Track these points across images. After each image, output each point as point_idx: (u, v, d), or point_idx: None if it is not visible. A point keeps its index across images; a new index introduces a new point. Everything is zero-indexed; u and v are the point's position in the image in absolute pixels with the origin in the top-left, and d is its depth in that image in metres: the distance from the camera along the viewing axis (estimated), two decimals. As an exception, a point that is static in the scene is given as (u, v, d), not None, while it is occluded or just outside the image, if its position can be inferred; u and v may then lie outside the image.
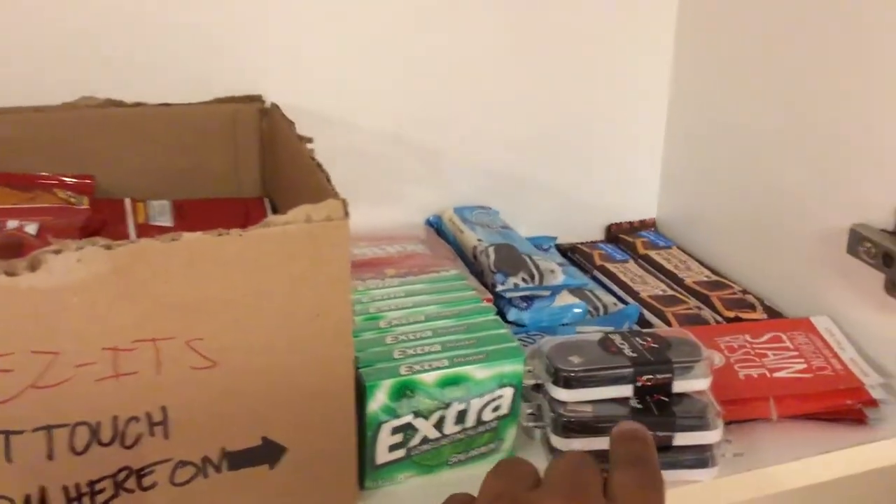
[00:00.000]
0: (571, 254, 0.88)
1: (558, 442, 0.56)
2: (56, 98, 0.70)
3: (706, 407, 0.57)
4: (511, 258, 0.74)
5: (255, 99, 0.75)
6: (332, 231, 0.48)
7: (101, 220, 0.69)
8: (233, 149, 0.76)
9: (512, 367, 0.57)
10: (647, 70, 0.90)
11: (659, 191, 0.94)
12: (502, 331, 0.60)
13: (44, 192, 0.67)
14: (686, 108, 0.88)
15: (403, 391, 0.54)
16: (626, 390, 0.57)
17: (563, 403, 0.57)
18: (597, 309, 0.75)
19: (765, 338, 0.68)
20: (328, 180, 0.53)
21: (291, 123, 0.66)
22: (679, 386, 0.58)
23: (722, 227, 0.84)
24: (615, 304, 0.76)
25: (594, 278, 0.82)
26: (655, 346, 0.59)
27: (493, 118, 0.86)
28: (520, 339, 0.70)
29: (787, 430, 0.62)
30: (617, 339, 0.60)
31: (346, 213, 0.48)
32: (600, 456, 0.55)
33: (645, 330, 0.63)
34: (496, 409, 0.57)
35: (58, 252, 0.43)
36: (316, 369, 0.50)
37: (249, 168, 0.77)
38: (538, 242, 0.87)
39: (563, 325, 0.72)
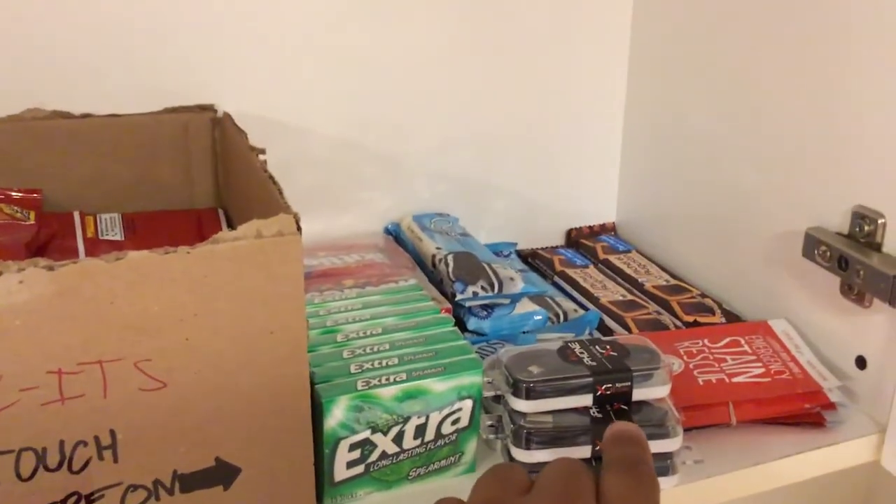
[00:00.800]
0: (532, 260, 0.87)
1: (519, 453, 0.55)
2: (1, 110, 0.68)
3: (666, 414, 0.57)
4: (470, 266, 0.73)
5: (207, 108, 0.74)
6: (284, 246, 0.47)
7: (49, 235, 0.67)
8: (185, 159, 0.74)
9: (471, 379, 0.56)
10: (604, 73, 0.90)
11: (618, 195, 0.94)
12: (460, 342, 0.59)
13: (-12, 208, 0.65)
14: (643, 112, 0.89)
15: (360, 406, 0.53)
16: (586, 399, 0.57)
17: (524, 414, 0.56)
18: (557, 316, 0.74)
19: (723, 342, 0.68)
20: (280, 193, 0.52)
21: (244, 134, 0.65)
22: (639, 394, 0.58)
23: (680, 230, 0.84)
24: (575, 310, 0.76)
25: (555, 284, 0.82)
26: (615, 354, 0.59)
27: (451, 123, 0.85)
28: (480, 349, 0.70)
29: (747, 435, 0.62)
30: (576, 347, 0.60)
31: (299, 228, 0.47)
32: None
33: (604, 338, 0.63)
34: (455, 421, 0.57)
35: (-2, 274, 0.42)
36: (270, 387, 0.49)
37: (202, 179, 0.75)
38: (498, 249, 0.87)
39: (524, 332, 0.72)
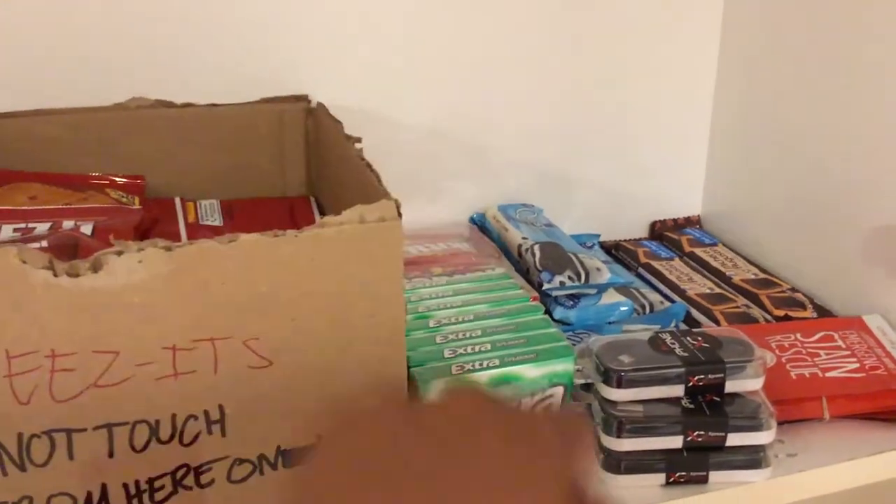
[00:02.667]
0: (615, 251, 0.87)
1: (609, 441, 0.56)
2: (107, 99, 0.71)
3: (759, 407, 0.57)
4: (557, 256, 0.74)
5: (301, 98, 0.76)
6: (386, 231, 0.48)
7: (153, 220, 0.70)
8: (279, 148, 0.76)
9: (563, 367, 0.57)
10: (692, 61, 0.89)
11: (704, 187, 0.93)
12: (552, 329, 0.60)
13: (96, 193, 0.68)
14: (732, 100, 0.87)
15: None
16: (677, 390, 0.57)
17: (614, 403, 0.56)
18: (643, 307, 0.74)
19: (816, 337, 0.67)
20: (379, 180, 0.53)
21: (339, 123, 0.66)
22: (731, 386, 0.57)
23: (769, 223, 0.83)
24: (661, 302, 0.75)
25: (639, 276, 0.82)
26: (707, 345, 0.59)
27: (537, 114, 0.86)
28: (567, 338, 0.70)
29: (840, 430, 0.61)
30: (667, 338, 0.60)
31: (399, 214, 0.48)
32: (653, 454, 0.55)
33: (695, 329, 0.63)
34: (546, 408, 0.57)
35: (119, 253, 0.44)
36: (369, 369, 0.50)
37: (295, 167, 0.77)
38: (582, 240, 0.87)
39: (610, 323, 0.72)
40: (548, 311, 0.71)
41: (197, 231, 0.69)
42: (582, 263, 0.73)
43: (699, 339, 0.60)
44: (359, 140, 0.62)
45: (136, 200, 0.69)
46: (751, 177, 0.86)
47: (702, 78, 0.89)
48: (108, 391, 0.46)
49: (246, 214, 0.73)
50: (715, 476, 0.56)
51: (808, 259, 0.78)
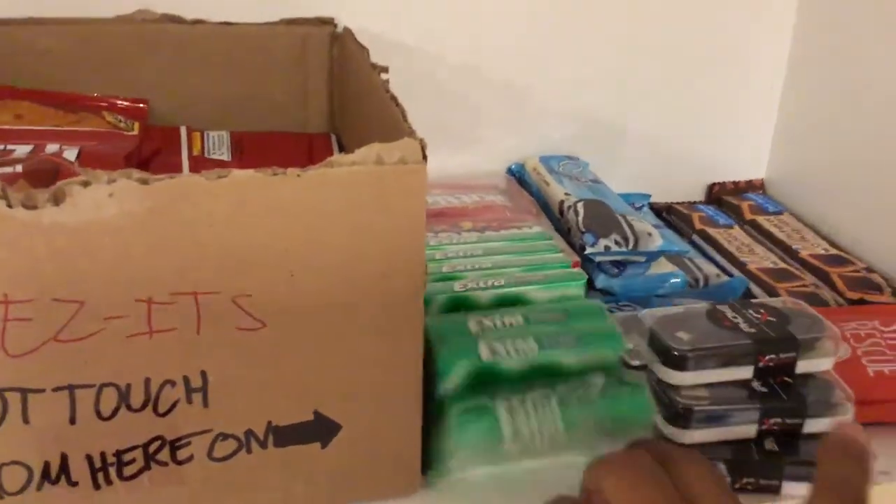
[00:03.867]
0: (667, 215, 0.79)
1: (675, 433, 0.48)
2: (109, 10, 0.63)
3: (833, 390, 0.50)
4: (602, 217, 0.65)
5: (327, 22, 0.68)
6: (407, 176, 0.40)
7: (153, 150, 0.62)
8: (300, 77, 0.68)
9: (609, 353, 0.49)
10: (769, 6, 0.79)
11: (771, 147, 0.83)
12: (595, 304, 0.52)
13: (91, 115, 0.61)
14: (813, 50, 0.77)
15: (480, 375, 0.47)
16: (745, 372, 0.49)
17: (677, 388, 0.49)
18: (697, 280, 0.66)
19: (897, 326, 0.58)
20: (404, 116, 0.45)
21: (365, 50, 0.58)
22: (803, 366, 0.50)
23: (844, 192, 0.74)
24: (718, 275, 0.67)
25: (693, 244, 0.73)
26: (773, 319, 0.51)
27: (588, 57, 0.76)
28: (609, 309, 0.62)
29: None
30: (728, 311, 0.52)
31: (424, 156, 0.40)
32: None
33: (755, 300, 0.55)
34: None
35: (86, 184, 0.37)
36: (379, 337, 0.43)
37: (317, 99, 0.69)
38: (630, 200, 0.78)
39: (658, 296, 0.64)
40: (589, 279, 0.63)
41: (202, 165, 0.62)
42: (631, 226, 0.64)
43: (762, 311, 0.52)
44: (385, 70, 0.54)
45: (136, 126, 0.62)
46: (825, 139, 0.76)
47: (779, 20, 0.79)
48: (70, 347, 0.39)
49: (257, 150, 0.65)
50: (789, 488, 0.48)
51: (886, 235, 0.69)
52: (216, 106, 0.67)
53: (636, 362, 0.50)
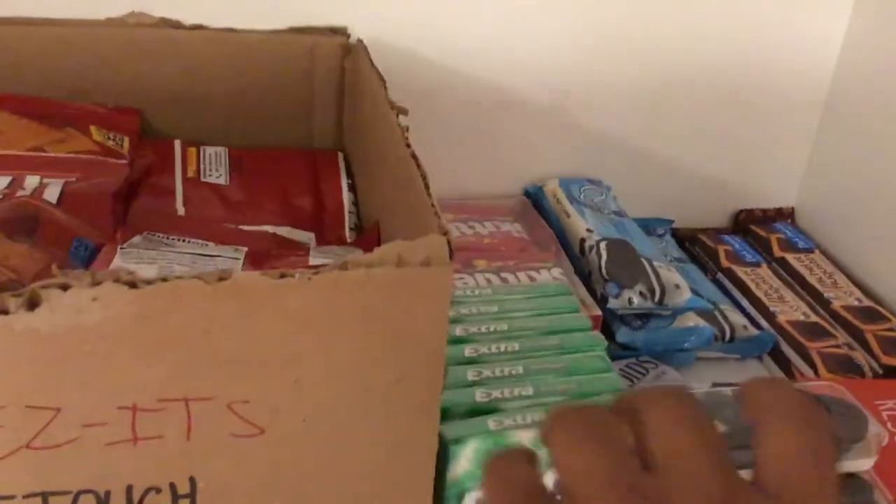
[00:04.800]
0: (691, 245, 0.74)
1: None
2: (100, 12, 0.57)
3: (872, 491, 0.47)
4: (627, 262, 0.61)
5: (339, 31, 0.62)
6: (431, 278, 0.35)
7: (144, 168, 0.57)
8: (307, 90, 0.63)
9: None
10: (818, 16, 0.73)
11: (804, 173, 0.78)
12: (611, 376, 0.48)
13: (77, 132, 0.55)
14: (860, 70, 0.72)
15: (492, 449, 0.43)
16: None
17: None
18: (723, 333, 0.62)
19: (937, 408, 0.54)
20: (426, 184, 0.40)
21: (383, 82, 0.53)
22: (842, 466, 0.46)
23: (880, 228, 0.69)
24: (745, 326, 0.63)
25: (717, 282, 0.69)
26: None
27: (612, 73, 0.71)
28: (628, 365, 0.58)
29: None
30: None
31: (451, 253, 0.36)
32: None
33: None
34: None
35: (65, 288, 0.32)
36: (390, 443, 0.39)
37: (325, 114, 0.64)
38: (651, 226, 0.74)
39: (682, 350, 0.60)
40: (609, 331, 0.59)
41: (196, 189, 0.57)
42: (657, 275, 0.60)
43: (801, 403, 0.48)
44: (405, 112, 0.49)
45: (126, 143, 0.57)
46: (864, 167, 0.71)
47: (826, 33, 0.73)
48: (44, 454, 0.35)
49: (258, 170, 0.60)
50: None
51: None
52: (215, 118, 0.62)
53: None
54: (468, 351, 0.49)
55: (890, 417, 0.54)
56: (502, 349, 0.50)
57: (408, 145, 0.45)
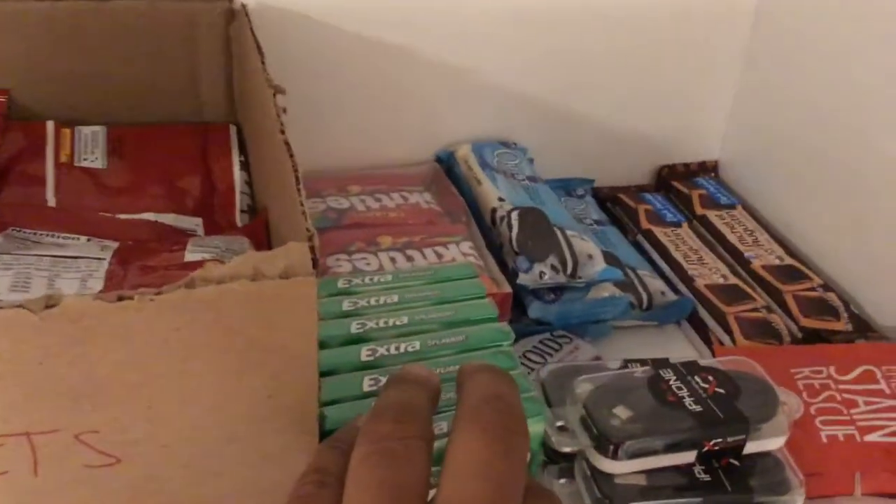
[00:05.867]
0: (612, 205, 0.72)
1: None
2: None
3: (784, 470, 0.45)
4: (539, 233, 0.58)
5: (222, -5, 0.57)
6: (292, 290, 0.32)
7: (13, 154, 0.53)
8: (190, 60, 0.58)
9: (531, 428, 0.43)
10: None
11: (727, 125, 0.76)
12: (518, 371, 0.45)
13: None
14: (776, 23, 0.69)
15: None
16: (688, 456, 0.44)
17: (610, 476, 0.43)
18: (640, 301, 0.60)
19: (855, 374, 0.53)
20: (298, 185, 0.37)
21: (260, 53, 0.48)
22: (752, 446, 0.45)
23: (804, 184, 0.67)
24: (664, 293, 0.61)
25: (636, 244, 0.67)
26: (721, 391, 0.46)
27: (523, 27, 0.67)
28: (541, 341, 0.56)
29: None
30: (672, 379, 0.47)
31: (315, 263, 0.33)
32: None
33: (703, 362, 0.49)
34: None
35: None
36: (264, 462, 0.36)
37: (212, 86, 0.60)
38: (571, 186, 0.71)
39: (598, 322, 0.58)
40: (521, 305, 0.57)
41: (69, 175, 0.53)
42: (570, 246, 0.57)
43: (711, 381, 0.47)
44: (282, 91, 0.45)
45: (-10, 128, 0.52)
46: (783, 121, 0.69)
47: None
48: None
49: (141, 150, 0.56)
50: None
51: (848, 243, 0.63)
52: (92, 95, 0.57)
53: (566, 448, 0.45)
54: (365, 353, 0.46)
55: (806, 386, 0.52)
56: (403, 349, 0.46)
57: (282, 131, 0.41)
